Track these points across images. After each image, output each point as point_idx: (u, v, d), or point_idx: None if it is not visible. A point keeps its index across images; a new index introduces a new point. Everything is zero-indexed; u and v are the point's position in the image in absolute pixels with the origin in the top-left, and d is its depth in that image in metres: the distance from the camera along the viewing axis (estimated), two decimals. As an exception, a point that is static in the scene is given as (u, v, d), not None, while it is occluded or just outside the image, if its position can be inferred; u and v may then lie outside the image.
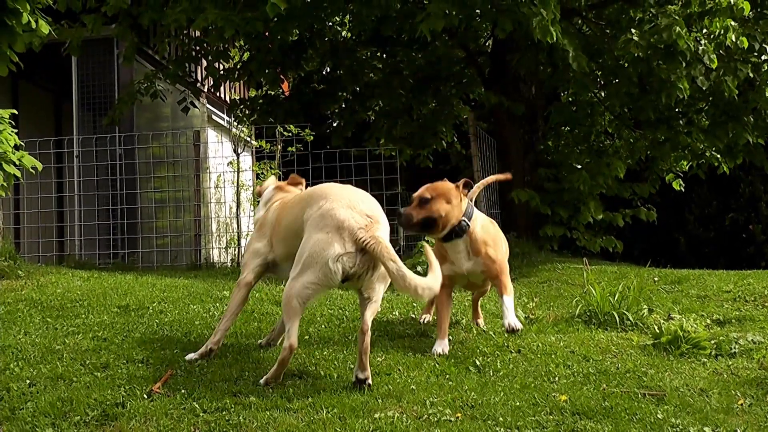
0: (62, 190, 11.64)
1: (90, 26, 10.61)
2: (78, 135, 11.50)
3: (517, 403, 3.83)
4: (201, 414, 3.73)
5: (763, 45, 10.64)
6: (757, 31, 10.60)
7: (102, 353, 4.69)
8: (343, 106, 14.52)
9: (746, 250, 16.28)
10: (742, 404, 3.95)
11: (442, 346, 4.73)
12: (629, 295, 5.93)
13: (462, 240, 4.81)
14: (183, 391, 4.02)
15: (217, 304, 6.07)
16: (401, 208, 4.80)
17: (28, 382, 4.18)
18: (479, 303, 5.72)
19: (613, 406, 3.80)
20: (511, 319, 4.79)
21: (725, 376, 4.49)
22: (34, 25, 6.54)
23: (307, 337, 5.10)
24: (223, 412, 3.74)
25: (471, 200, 4.97)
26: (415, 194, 4.80)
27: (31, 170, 7.13)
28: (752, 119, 11.66)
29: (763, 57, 10.75)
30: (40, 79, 13.62)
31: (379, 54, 14.23)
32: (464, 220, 4.77)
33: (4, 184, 6.69)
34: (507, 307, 4.84)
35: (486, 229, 4.97)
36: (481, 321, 5.62)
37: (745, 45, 10.01)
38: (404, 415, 3.66)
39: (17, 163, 6.87)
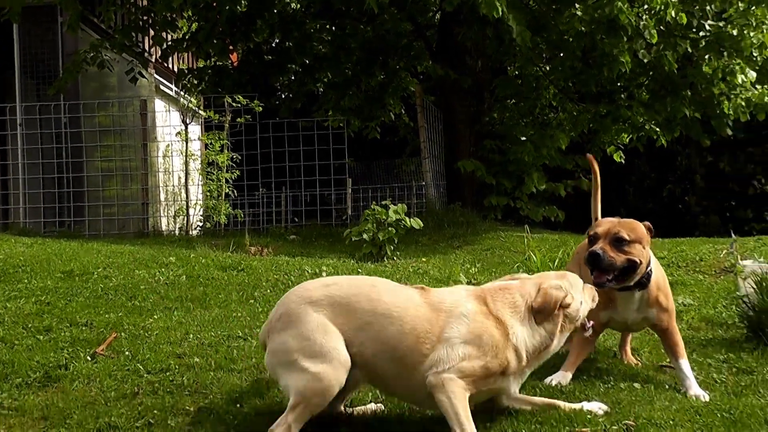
0: (5, 158, 11.46)
1: (31, -8, 10.45)
2: (21, 103, 11.34)
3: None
4: (145, 375, 3.82)
5: (701, 21, 10.93)
6: (695, 8, 10.88)
7: (45, 317, 4.72)
8: (292, 77, 14.52)
9: (683, 220, 16.80)
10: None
11: (560, 378, 3.96)
12: (568, 261, 6.15)
13: (641, 291, 3.96)
14: (127, 353, 4.10)
15: (162, 270, 6.12)
16: (599, 249, 3.79)
17: (-31, 345, 4.18)
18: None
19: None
20: (696, 390, 3.82)
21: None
22: (-27, -10, 6.45)
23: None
24: (167, 373, 3.84)
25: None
26: (601, 229, 3.88)
27: (-28, 138, 7.07)
28: (690, 93, 11.98)
29: (701, 33, 11.02)
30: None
31: (328, 26, 14.23)
32: (650, 271, 3.93)
33: (-55, 151, 6.63)
34: (687, 375, 3.90)
35: (661, 272, 4.12)
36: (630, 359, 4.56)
37: (684, 21, 10.26)
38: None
39: (-42, 130, 6.82)
